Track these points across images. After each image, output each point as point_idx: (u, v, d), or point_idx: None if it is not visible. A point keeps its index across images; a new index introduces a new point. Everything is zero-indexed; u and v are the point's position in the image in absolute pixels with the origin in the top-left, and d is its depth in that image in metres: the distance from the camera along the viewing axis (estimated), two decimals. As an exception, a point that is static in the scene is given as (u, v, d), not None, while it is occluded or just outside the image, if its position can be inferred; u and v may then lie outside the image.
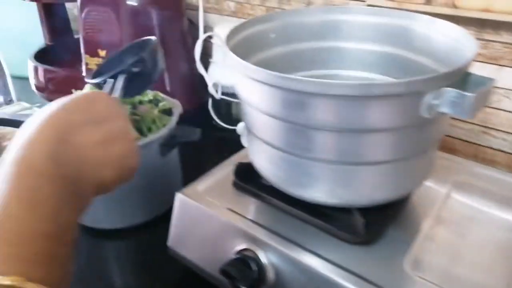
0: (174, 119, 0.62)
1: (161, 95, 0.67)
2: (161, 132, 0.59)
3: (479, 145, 0.71)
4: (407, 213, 0.49)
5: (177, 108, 0.65)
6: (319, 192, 0.44)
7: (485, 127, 0.69)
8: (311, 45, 0.57)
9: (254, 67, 0.39)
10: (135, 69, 0.49)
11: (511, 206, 0.50)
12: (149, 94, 0.66)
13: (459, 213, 0.49)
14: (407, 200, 0.50)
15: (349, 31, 0.56)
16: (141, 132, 0.59)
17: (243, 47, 0.48)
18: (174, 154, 0.66)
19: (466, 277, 0.41)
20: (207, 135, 0.91)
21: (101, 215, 0.62)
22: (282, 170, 0.45)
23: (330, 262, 0.42)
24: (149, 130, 0.60)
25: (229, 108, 0.90)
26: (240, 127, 0.82)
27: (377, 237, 0.45)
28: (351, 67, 0.57)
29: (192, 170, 0.74)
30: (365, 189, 0.43)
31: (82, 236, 0.64)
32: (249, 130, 0.47)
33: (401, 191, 0.45)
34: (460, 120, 0.71)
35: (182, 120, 0.90)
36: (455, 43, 0.45)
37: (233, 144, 0.91)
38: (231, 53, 0.42)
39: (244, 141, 0.84)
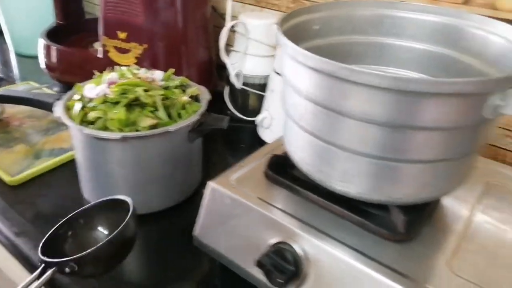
0: (203, 105, 0.60)
1: (188, 81, 0.66)
2: (191, 118, 0.57)
3: (500, 147, 0.71)
4: (441, 213, 0.49)
5: (205, 94, 0.63)
6: (365, 188, 0.43)
7: (509, 130, 0.69)
8: (351, 39, 0.56)
9: (315, 56, 0.38)
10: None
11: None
12: (176, 80, 0.64)
13: (492, 215, 0.49)
14: (439, 200, 0.50)
15: (392, 27, 0.54)
16: (170, 117, 0.58)
17: (289, 36, 0.47)
18: (199, 143, 0.64)
19: (506, 278, 0.41)
20: (222, 125, 0.90)
21: None
22: (325, 164, 0.44)
23: (368, 257, 0.42)
24: (179, 115, 0.58)
25: (246, 99, 0.88)
26: (260, 118, 0.81)
27: (415, 235, 0.45)
28: (388, 63, 0.56)
29: (208, 160, 0.74)
30: (411, 187, 0.42)
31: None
32: (291, 120, 0.46)
33: (445, 190, 0.44)
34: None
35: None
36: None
37: (248, 134, 0.91)
38: (287, 40, 0.41)
39: (261, 131, 0.83)
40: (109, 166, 0.58)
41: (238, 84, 0.83)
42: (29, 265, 0.55)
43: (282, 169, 0.52)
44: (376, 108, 0.38)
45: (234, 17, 0.83)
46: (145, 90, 0.57)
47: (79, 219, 0.50)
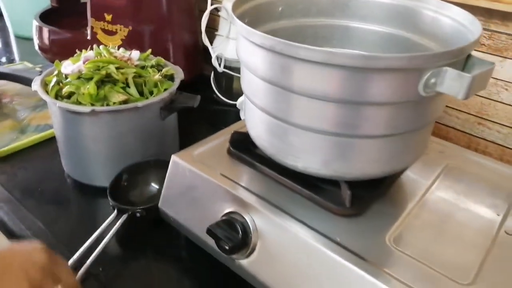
0: (175, 84, 0.62)
1: (164, 61, 0.68)
2: (162, 95, 0.59)
3: (473, 135, 0.72)
4: (396, 191, 0.50)
5: (179, 74, 0.65)
6: (311, 162, 0.44)
7: (481, 118, 0.70)
8: (317, 22, 0.57)
9: (257, 31, 0.39)
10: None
11: (497, 192, 0.51)
12: (152, 60, 0.66)
13: (445, 194, 0.50)
14: (397, 178, 0.51)
15: (357, 10, 0.56)
16: (142, 95, 0.60)
17: (250, 17, 0.48)
18: (173, 121, 0.66)
19: (444, 254, 0.42)
20: (207, 108, 0.92)
21: (96, 173, 0.63)
22: (276, 139, 0.46)
23: (314, 230, 0.43)
24: (151, 93, 0.60)
25: (230, 82, 0.90)
26: (239, 101, 0.82)
27: (362, 210, 0.46)
28: (354, 46, 0.57)
29: (189, 141, 0.76)
30: (356, 162, 0.43)
31: (77, 193, 0.65)
32: (246, 97, 0.48)
33: (391, 167, 0.46)
34: (456, 109, 0.72)
35: (182, 90, 0.91)
36: (461, 27, 0.45)
37: (232, 118, 0.92)
38: (235, 17, 0.42)
39: (242, 115, 0.85)
40: (83, 141, 0.60)
41: (219, 68, 0.84)
42: (5, 230, 0.58)
43: (244, 145, 0.53)
44: (315, 83, 0.39)
45: (218, 2, 0.85)
46: (118, 68, 0.59)
47: (133, 171, 0.60)
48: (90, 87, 0.56)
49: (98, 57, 0.62)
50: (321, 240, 0.42)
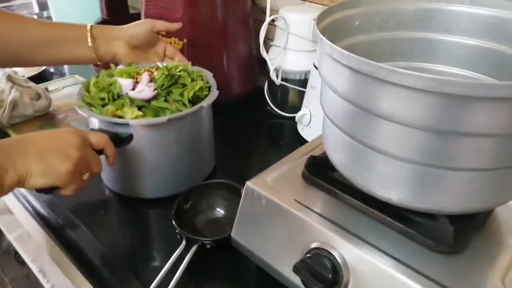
0: (214, 91, 0.64)
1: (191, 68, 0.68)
2: (209, 99, 0.62)
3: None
4: (492, 225, 0.46)
5: (212, 78, 0.67)
6: (406, 195, 0.40)
7: None
8: (395, 35, 0.53)
9: (345, 51, 0.35)
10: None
11: None
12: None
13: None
14: (492, 211, 0.46)
15: (441, 22, 0.51)
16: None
17: (329, 32, 0.45)
18: (210, 128, 0.68)
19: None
20: (260, 120, 0.89)
21: (148, 185, 0.64)
22: (363, 167, 0.42)
23: (412, 269, 0.39)
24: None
25: (286, 94, 0.87)
26: (299, 115, 0.79)
27: (464, 247, 0.42)
28: (437, 61, 0.53)
29: (241, 152, 0.77)
30: (460, 196, 0.39)
31: (124, 205, 0.65)
32: (328, 118, 0.44)
33: (498, 201, 0.41)
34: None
35: (236, 103, 0.89)
36: None
37: (285, 131, 0.89)
38: (320, 35, 0.39)
39: (300, 129, 0.81)
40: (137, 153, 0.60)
41: (277, 80, 0.81)
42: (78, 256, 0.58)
43: (320, 170, 0.50)
44: (413, 111, 0.35)
45: (275, 11, 0.81)
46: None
47: (194, 194, 0.60)
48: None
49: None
50: (422, 280, 0.38)
